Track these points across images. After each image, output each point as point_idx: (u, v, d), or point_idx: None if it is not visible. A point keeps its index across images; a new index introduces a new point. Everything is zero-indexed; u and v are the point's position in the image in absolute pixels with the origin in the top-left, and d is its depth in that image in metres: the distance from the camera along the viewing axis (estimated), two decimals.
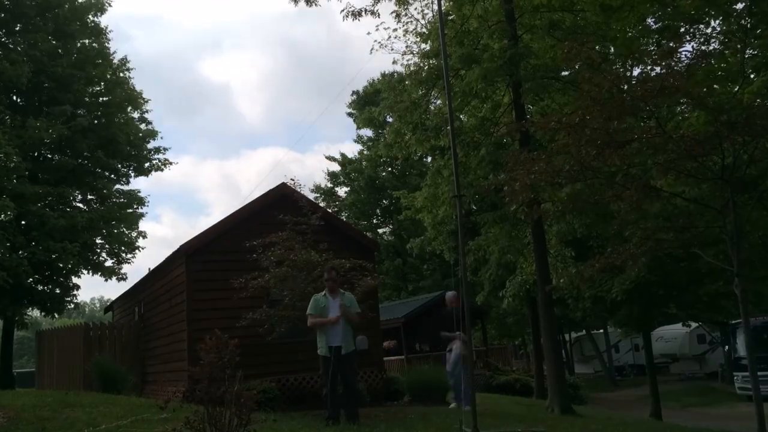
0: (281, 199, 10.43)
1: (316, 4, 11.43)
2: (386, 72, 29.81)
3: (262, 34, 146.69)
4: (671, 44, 7.68)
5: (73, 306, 19.05)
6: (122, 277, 18.27)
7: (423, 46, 12.30)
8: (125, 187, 18.89)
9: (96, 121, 17.72)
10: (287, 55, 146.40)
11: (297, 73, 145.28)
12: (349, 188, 34.37)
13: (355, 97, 34.12)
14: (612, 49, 10.41)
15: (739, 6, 9.09)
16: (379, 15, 11.51)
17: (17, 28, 16.97)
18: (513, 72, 10.79)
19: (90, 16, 18.37)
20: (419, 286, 29.88)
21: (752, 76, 9.14)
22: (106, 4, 18.80)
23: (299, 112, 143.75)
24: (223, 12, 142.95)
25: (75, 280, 17.73)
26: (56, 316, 18.92)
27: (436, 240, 16.96)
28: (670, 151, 7.04)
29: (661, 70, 7.55)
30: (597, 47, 9.58)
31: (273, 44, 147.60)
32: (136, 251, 18.72)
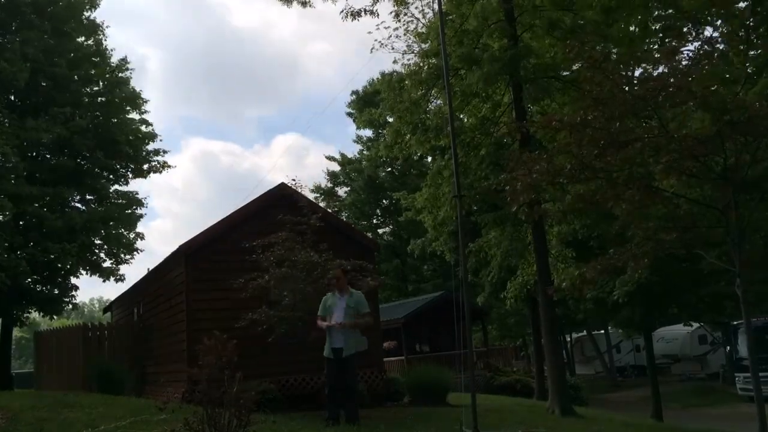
0: (281, 200, 10.40)
1: (310, 5, 11.45)
2: (386, 71, 29.74)
3: (148, 26, 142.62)
4: (674, 43, 7.66)
5: (71, 307, 18.96)
6: (120, 278, 18.21)
7: (423, 45, 12.28)
8: (123, 188, 18.84)
9: (95, 121, 17.66)
10: (169, 46, 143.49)
11: (179, 67, 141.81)
12: (349, 188, 34.35)
13: (354, 97, 34.10)
14: (614, 50, 10.38)
15: (742, 5, 9.05)
16: (378, 15, 11.52)
17: (13, 27, 16.92)
18: (513, 72, 10.76)
19: (85, 12, 18.28)
20: (419, 287, 29.83)
21: (755, 77, 9.10)
22: None
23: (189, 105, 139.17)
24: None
25: (73, 280, 17.70)
26: (54, 317, 18.84)
27: (437, 241, 16.93)
28: (673, 151, 7.01)
29: (663, 69, 7.52)
30: (598, 47, 9.54)
31: (153, 37, 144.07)
32: (135, 253, 18.66)
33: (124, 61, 18.92)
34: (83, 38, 18.26)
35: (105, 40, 18.81)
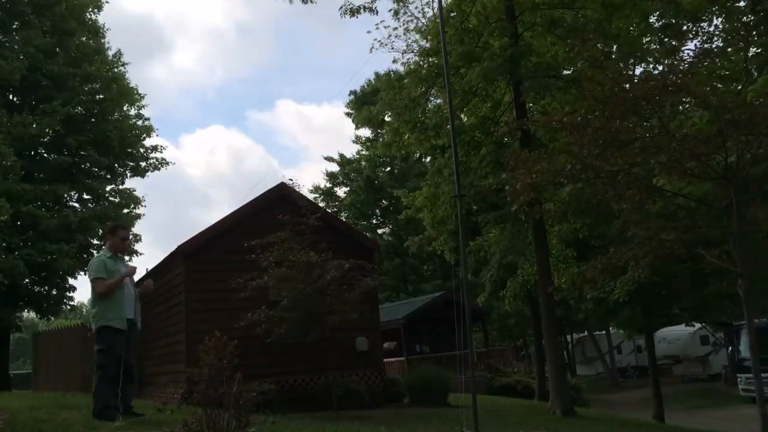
0: (280, 199, 10.39)
1: (311, 1, 11.44)
2: (382, 71, 29.75)
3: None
4: (674, 42, 7.64)
5: (69, 308, 18.86)
6: None
7: (423, 43, 12.26)
8: (120, 186, 18.71)
9: (92, 119, 17.62)
10: None
11: None
12: (348, 188, 34.31)
13: (353, 96, 34.07)
14: (614, 47, 10.36)
15: (742, 4, 9.03)
16: (377, 12, 11.50)
17: (14, 26, 16.90)
18: (514, 70, 10.73)
19: (88, 14, 18.32)
20: (419, 287, 29.79)
21: (755, 74, 9.07)
22: (103, 1, 18.77)
23: None
24: None
25: (71, 281, 17.59)
26: (51, 318, 18.73)
27: (436, 240, 16.88)
28: (674, 150, 6.98)
29: (663, 68, 7.50)
30: (599, 44, 9.51)
31: None
32: (134, 255, 18.58)
33: (118, 53, 18.89)
34: (84, 38, 18.25)
35: (105, 39, 18.85)
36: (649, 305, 15.49)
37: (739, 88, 8.14)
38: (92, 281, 5.46)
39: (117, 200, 18.37)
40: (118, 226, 5.89)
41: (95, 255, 5.95)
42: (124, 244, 5.69)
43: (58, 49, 17.24)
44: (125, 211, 18.51)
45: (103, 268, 5.41)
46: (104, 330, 5.43)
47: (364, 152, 33.94)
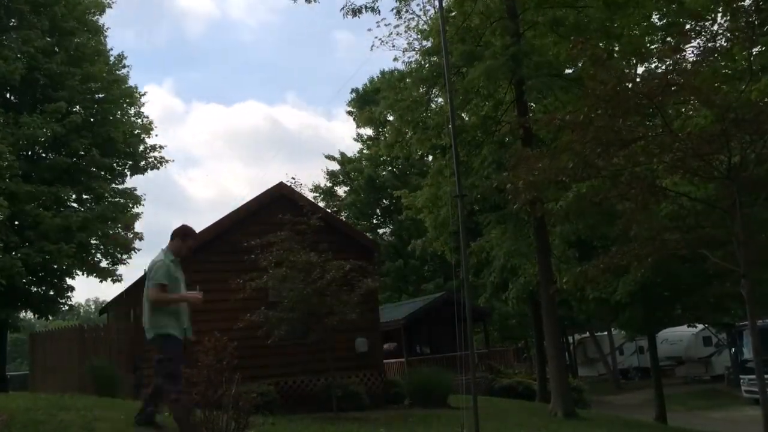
0: (279, 199, 10.34)
1: (315, 0, 11.42)
2: (386, 69, 29.67)
3: None
4: (677, 40, 7.58)
5: (67, 308, 18.78)
6: (117, 279, 18.01)
7: (424, 42, 12.22)
8: (120, 186, 18.62)
9: (92, 119, 17.57)
10: None
11: None
12: (348, 188, 34.23)
13: (354, 95, 34.01)
14: (617, 47, 10.31)
15: (747, 2, 8.97)
16: (379, 12, 11.48)
17: (12, 25, 16.87)
18: (516, 69, 10.68)
19: (89, 16, 18.31)
20: (420, 288, 29.71)
21: (760, 73, 9.01)
22: (107, 4, 18.78)
23: None
24: None
25: (69, 281, 17.51)
26: (50, 318, 18.64)
27: (437, 241, 16.81)
28: (677, 149, 6.93)
29: (666, 67, 7.45)
30: (601, 44, 9.46)
31: None
32: (132, 252, 18.51)
33: (121, 57, 18.89)
34: (84, 38, 18.22)
35: (105, 39, 18.84)
36: (652, 306, 15.42)
37: (743, 87, 8.08)
38: (154, 285, 4.94)
39: (117, 200, 18.31)
40: (191, 234, 5.42)
41: (157, 256, 5.34)
42: (189, 251, 5.33)
43: (56, 48, 17.18)
44: (125, 211, 18.46)
45: (168, 274, 4.93)
46: (167, 338, 4.86)
47: (365, 151, 33.86)
